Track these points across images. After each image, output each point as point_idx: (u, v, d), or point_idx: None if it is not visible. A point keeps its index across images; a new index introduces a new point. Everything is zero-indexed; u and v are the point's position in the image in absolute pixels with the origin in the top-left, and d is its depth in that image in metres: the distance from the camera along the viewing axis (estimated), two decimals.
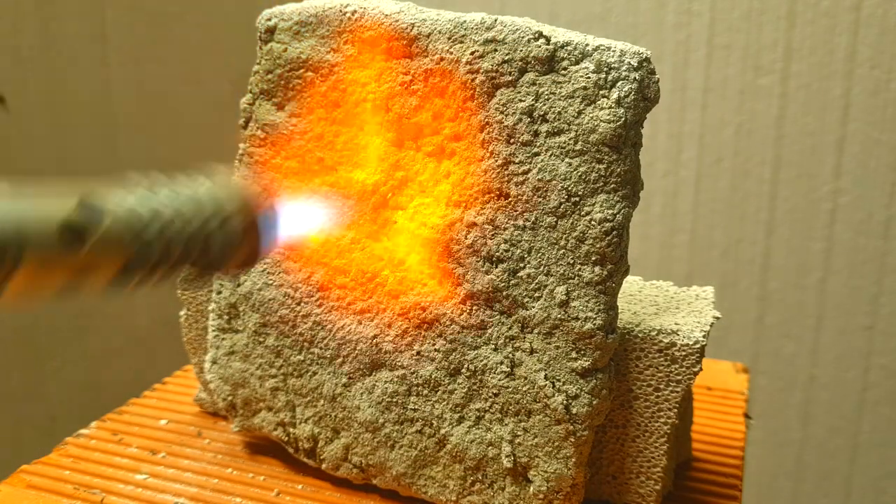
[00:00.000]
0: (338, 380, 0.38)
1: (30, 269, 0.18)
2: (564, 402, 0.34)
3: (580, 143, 0.32)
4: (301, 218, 0.33)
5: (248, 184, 0.24)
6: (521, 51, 0.33)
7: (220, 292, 0.41)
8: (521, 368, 0.34)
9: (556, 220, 0.33)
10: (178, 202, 0.22)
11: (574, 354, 0.33)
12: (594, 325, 0.33)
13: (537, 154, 0.33)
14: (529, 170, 0.33)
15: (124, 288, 0.21)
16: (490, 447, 0.36)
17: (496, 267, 0.34)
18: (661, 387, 0.35)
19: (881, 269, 0.75)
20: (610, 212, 0.32)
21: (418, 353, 0.36)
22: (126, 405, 0.48)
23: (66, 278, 0.19)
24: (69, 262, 0.19)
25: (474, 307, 0.35)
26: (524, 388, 0.34)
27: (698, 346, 0.34)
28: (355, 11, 0.36)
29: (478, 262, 0.34)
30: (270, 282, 0.39)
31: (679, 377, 0.35)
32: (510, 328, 0.34)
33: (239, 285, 0.40)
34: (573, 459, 0.34)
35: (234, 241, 0.23)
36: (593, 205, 0.32)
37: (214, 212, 0.22)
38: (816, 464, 0.81)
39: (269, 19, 0.38)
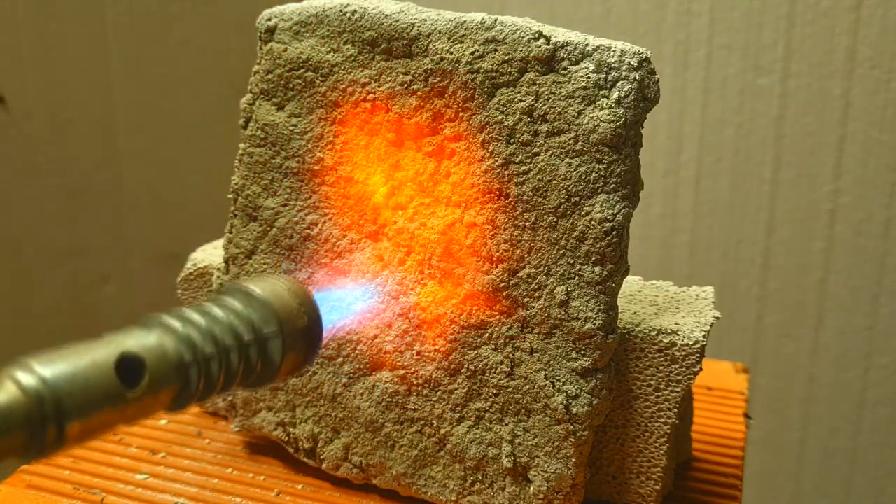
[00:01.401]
0: (338, 380, 0.38)
1: (90, 416, 0.19)
2: (564, 401, 0.34)
3: (580, 143, 0.32)
4: (340, 306, 0.34)
5: (292, 294, 0.24)
6: (521, 51, 0.33)
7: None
8: (521, 368, 0.34)
9: (556, 220, 0.33)
10: (222, 329, 0.22)
11: (574, 354, 0.33)
12: (594, 325, 0.33)
13: (537, 154, 0.33)
14: (529, 170, 0.33)
15: (176, 412, 0.22)
16: (490, 447, 0.36)
17: (496, 267, 0.34)
18: (661, 387, 0.35)
19: (881, 269, 0.75)
20: (610, 212, 0.32)
21: (418, 353, 0.36)
22: None
23: (123, 419, 0.20)
24: (125, 402, 0.19)
25: (474, 307, 0.35)
26: (524, 388, 0.34)
27: (698, 346, 0.34)
28: (355, 11, 0.36)
29: (478, 262, 0.34)
30: None
31: (679, 377, 0.35)
32: (510, 328, 0.34)
33: None
34: (573, 459, 0.34)
35: (283, 357, 0.23)
36: (593, 205, 0.32)
37: (259, 332, 0.23)
38: (816, 464, 0.81)
39: (269, 19, 0.38)
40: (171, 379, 0.20)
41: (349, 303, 0.36)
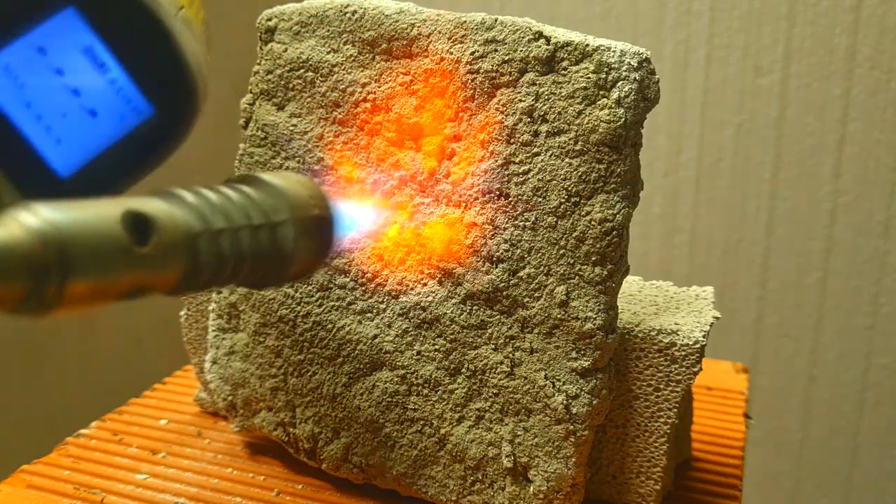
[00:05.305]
0: (338, 380, 0.38)
1: (95, 269, 0.17)
2: (564, 401, 0.34)
3: (580, 143, 0.32)
4: (356, 218, 0.33)
5: (304, 186, 0.23)
6: (521, 51, 0.33)
7: (220, 292, 0.41)
8: (522, 368, 0.34)
9: (556, 220, 0.33)
10: (234, 208, 0.21)
11: (574, 354, 0.33)
12: (594, 324, 0.33)
13: (537, 154, 0.33)
14: (529, 170, 0.33)
15: (184, 294, 0.20)
16: (490, 447, 0.36)
17: (496, 267, 0.34)
18: (661, 387, 0.35)
19: (881, 269, 0.75)
20: (610, 212, 0.32)
21: (418, 352, 0.36)
22: (126, 405, 0.48)
23: (129, 281, 0.18)
24: (132, 260, 0.18)
25: (474, 307, 0.35)
26: (524, 388, 0.34)
27: (698, 345, 0.34)
28: (355, 11, 0.36)
29: (478, 262, 0.34)
30: None
31: (679, 377, 0.35)
32: (510, 328, 0.34)
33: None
34: (573, 459, 0.34)
35: (295, 245, 0.22)
36: (593, 205, 0.32)
37: (270, 218, 0.21)
38: (816, 464, 0.81)
39: (270, 19, 0.38)
40: (180, 247, 0.19)
41: (359, 218, 0.35)
